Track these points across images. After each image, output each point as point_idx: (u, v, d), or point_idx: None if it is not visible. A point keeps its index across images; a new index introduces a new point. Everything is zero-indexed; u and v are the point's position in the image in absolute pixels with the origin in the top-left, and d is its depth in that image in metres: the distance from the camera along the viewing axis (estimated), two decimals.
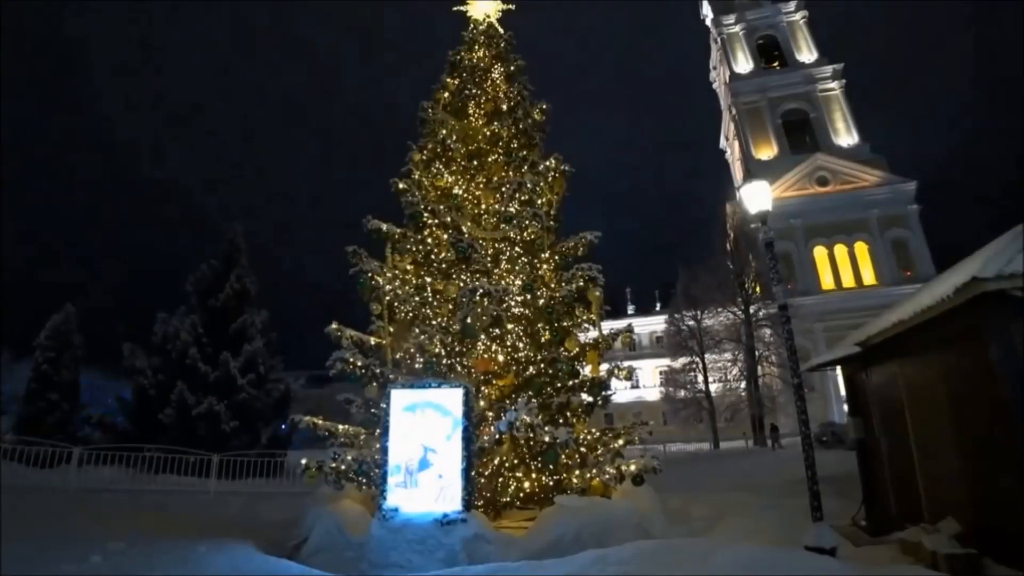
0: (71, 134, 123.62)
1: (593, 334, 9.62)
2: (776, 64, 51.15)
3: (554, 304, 9.00)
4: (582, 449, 8.45)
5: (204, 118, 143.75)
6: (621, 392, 37.52)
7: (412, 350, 9.02)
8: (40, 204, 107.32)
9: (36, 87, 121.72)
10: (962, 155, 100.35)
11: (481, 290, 8.13)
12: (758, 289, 31.03)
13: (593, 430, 9.12)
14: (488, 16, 12.22)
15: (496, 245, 9.65)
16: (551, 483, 7.99)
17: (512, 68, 11.67)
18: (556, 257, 10.01)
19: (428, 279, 9.54)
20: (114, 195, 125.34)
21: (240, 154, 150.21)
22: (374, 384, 8.58)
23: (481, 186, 10.36)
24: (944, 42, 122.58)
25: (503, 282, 9.13)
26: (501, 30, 12.14)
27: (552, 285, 9.55)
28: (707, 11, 56.43)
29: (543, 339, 9.28)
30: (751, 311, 30.22)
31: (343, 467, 7.64)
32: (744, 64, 51.54)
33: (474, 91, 11.12)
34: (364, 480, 7.70)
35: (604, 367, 9.49)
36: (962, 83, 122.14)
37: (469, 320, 7.99)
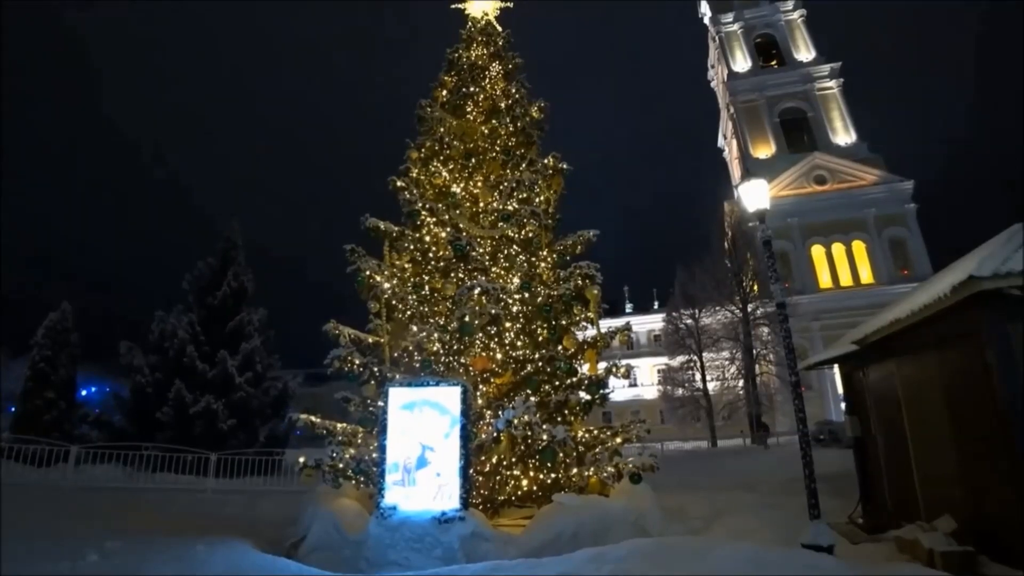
0: (71, 133, 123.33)
1: (591, 332, 9.62)
2: (774, 63, 51.11)
3: (552, 302, 9.00)
4: (580, 447, 8.46)
5: (204, 117, 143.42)
6: (619, 390, 37.54)
7: (410, 348, 9.02)
8: (39, 203, 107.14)
9: (36, 87, 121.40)
10: (960, 155, 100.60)
11: (479, 288, 8.12)
12: (756, 288, 31.05)
13: (591, 428, 9.13)
14: (486, 14, 12.21)
15: (494, 243, 9.65)
16: (549, 481, 7.99)
17: (510, 66, 11.66)
18: (554, 255, 10.02)
19: (426, 277, 9.54)
20: (113, 194, 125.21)
21: (240, 153, 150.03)
22: (372, 382, 8.58)
23: (479, 184, 10.35)
24: (944, 42, 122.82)
25: (501, 280, 9.13)
26: (499, 28, 12.12)
27: (550, 283, 9.54)
28: (705, 9, 56.35)
29: (541, 337, 9.28)
30: (749, 310, 30.25)
31: (341, 465, 7.64)
32: (742, 63, 51.52)
33: (472, 89, 11.10)
34: (362, 478, 7.70)
35: (602, 365, 9.49)
36: (961, 83, 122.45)
37: (467, 318, 7.98)
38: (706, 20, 56.40)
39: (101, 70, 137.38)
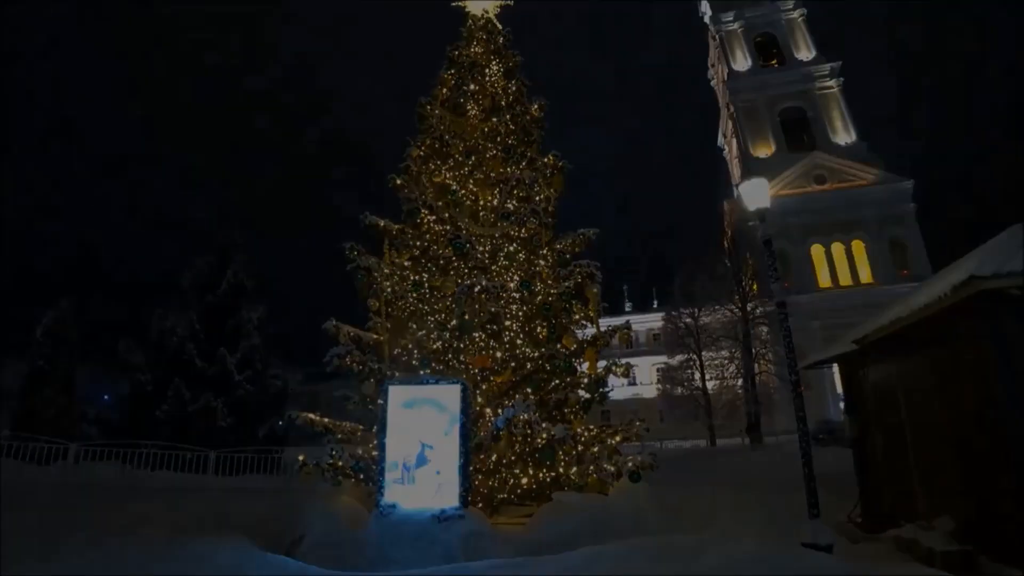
0: (70, 131, 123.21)
1: (591, 331, 9.61)
2: (774, 62, 51.14)
3: (552, 300, 8.99)
4: (579, 446, 8.45)
5: (204, 116, 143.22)
6: (618, 389, 37.36)
7: (410, 346, 9.01)
8: (38, 202, 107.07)
9: (37, 83, 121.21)
10: (960, 154, 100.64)
11: (479, 286, 8.12)
12: (755, 287, 31.08)
13: (591, 427, 9.13)
14: (486, 12, 12.17)
15: (494, 241, 9.63)
16: (548, 479, 7.98)
17: (510, 64, 11.61)
18: (554, 254, 10.00)
19: (426, 275, 9.52)
20: (113, 193, 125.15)
21: (240, 151, 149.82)
22: (371, 380, 8.57)
23: (479, 182, 10.33)
24: (944, 41, 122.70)
25: (501, 278, 9.12)
26: (499, 26, 12.08)
27: (549, 282, 9.54)
28: (705, 8, 56.34)
29: (541, 336, 9.27)
30: (748, 309, 30.28)
31: (340, 463, 7.63)
32: (742, 62, 51.51)
33: (472, 87, 11.07)
34: (362, 476, 7.70)
35: (601, 364, 9.48)
36: (961, 82, 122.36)
37: (467, 316, 7.98)
38: (706, 19, 56.38)
39: (102, 66, 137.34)
